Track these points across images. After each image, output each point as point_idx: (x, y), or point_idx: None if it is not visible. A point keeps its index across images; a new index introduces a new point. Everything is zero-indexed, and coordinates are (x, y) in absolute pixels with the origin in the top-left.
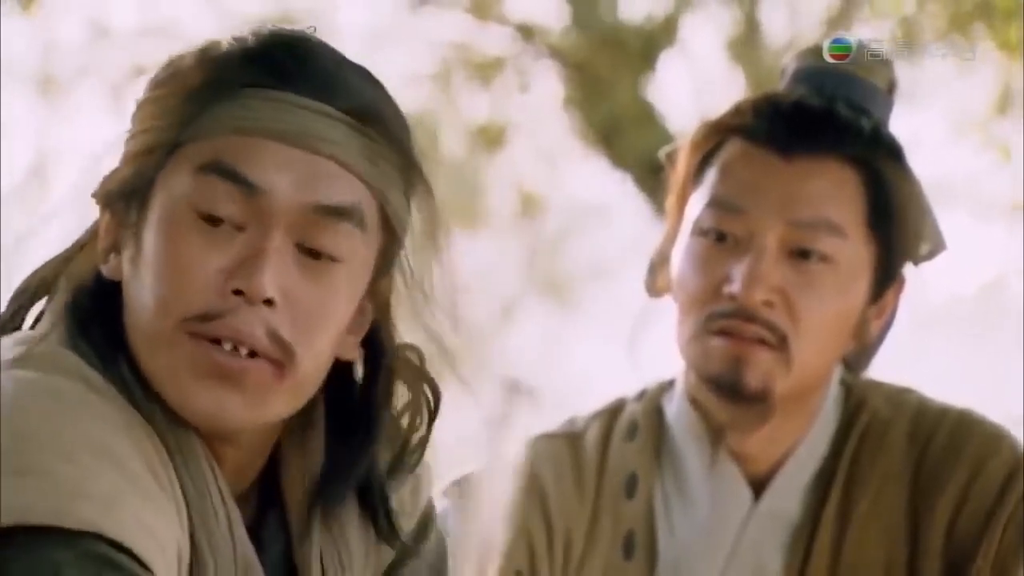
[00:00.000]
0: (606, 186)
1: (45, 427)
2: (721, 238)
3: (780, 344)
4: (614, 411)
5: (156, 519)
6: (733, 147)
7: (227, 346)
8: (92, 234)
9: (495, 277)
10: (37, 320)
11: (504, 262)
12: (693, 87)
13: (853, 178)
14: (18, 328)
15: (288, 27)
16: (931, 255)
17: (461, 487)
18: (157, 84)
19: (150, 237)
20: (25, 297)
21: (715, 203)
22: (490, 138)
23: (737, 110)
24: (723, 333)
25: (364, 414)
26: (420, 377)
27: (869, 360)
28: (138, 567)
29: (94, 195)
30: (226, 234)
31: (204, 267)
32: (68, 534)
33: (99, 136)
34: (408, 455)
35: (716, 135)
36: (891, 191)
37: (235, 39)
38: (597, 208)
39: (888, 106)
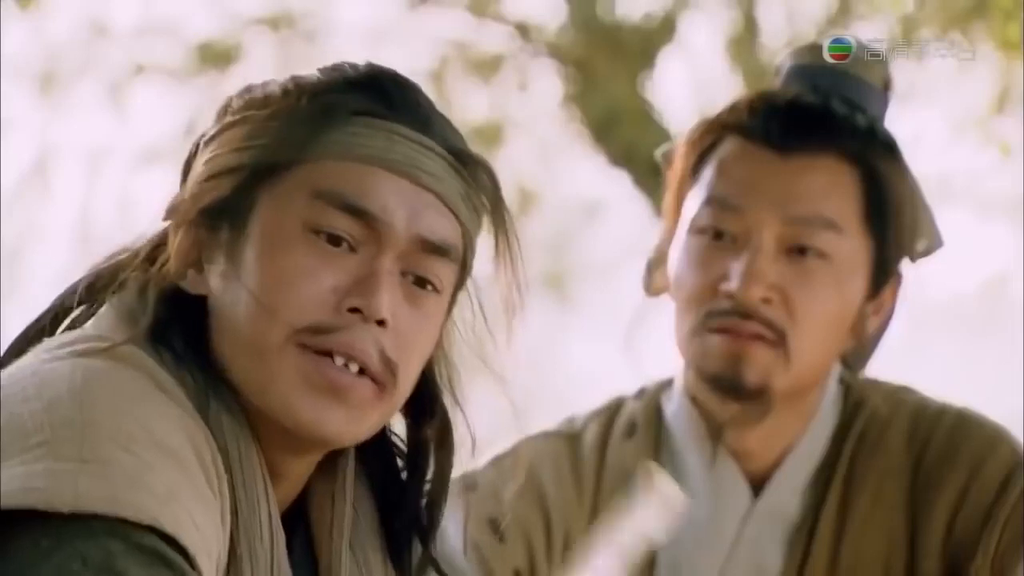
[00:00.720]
0: (604, 184)
1: (108, 417)
2: (718, 236)
3: (778, 340)
4: (613, 409)
5: (205, 521)
6: (729, 145)
7: (339, 361)
8: (155, 245)
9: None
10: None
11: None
12: (691, 85)
13: (849, 174)
14: (64, 316)
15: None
16: (928, 251)
17: (461, 485)
18: (246, 106)
19: (253, 252)
20: (92, 292)
21: (712, 201)
22: (488, 136)
23: (733, 108)
24: (721, 330)
25: (418, 448)
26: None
27: (868, 358)
28: (188, 566)
29: (172, 212)
30: (339, 254)
31: (317, 282)
32: (123, 524)
33: (99, 134)
34: (442, 491)
35: (712, 133)
36: (887, 187)
37: (330, 68)
38: (595, 205)
39: (884, 103)
